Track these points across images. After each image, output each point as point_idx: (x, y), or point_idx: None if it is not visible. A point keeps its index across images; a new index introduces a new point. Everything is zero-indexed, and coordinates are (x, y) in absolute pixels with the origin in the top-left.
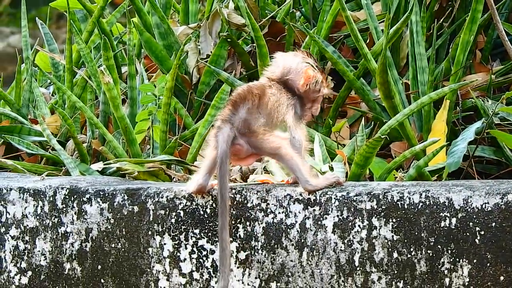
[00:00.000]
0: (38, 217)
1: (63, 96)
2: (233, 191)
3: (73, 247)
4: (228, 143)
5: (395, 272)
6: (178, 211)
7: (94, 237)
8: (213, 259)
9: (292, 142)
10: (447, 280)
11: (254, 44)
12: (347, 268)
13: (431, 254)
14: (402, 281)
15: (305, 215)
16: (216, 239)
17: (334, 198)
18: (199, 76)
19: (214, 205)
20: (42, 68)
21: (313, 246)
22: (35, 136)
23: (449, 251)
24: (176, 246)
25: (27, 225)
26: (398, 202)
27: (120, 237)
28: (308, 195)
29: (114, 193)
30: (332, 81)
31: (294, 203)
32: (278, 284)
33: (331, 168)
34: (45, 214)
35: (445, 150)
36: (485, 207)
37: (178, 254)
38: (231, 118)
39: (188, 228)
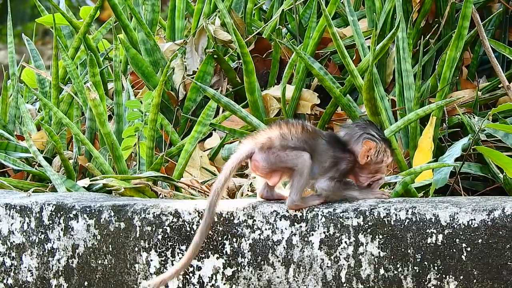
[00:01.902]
0: (24, 233)
1: (49, 112)
2: (220, 207)
3: (59, 263)
4: (239, 156)
5: None
6: (165, 227)
7: (80, 253)
8: (199, 275)
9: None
10: None
11: (241, 61)
12: (333, 285)
13: (417, 271)
14: None
15: (292, 232)
16: (203, 255)
17: (321, 215)
18: (186, 92)
19: (200, 221)
20: (28, 84)
21: (300, 263)
22: (21, 153)
23: (436, 268)
24: (162, 262)
25: (14, 241)
26: (384, 219)
27: (107, 253)
28: (294, 211)
29: (101, 209)
30: (318, 97)
31: (280, 220)
32: None
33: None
34: (32, 230)
35: None
36: (472, 223)
37: (164, 270)
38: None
39: (175, 244)
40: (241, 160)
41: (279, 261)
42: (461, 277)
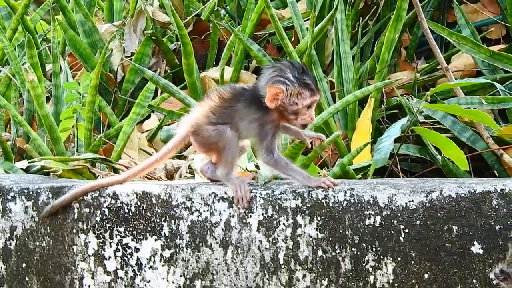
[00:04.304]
0: None
1: None
2: (158, 189)
3: None
4: (174, 141)
5: (320, 270)
6: (103, 209)
7: (18, 235)
8: (137, 257)
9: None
10: (371, 278)
11: (179, 42)
12: (271, 266)
13: (355, 252)
14: (326, 279)
15: (230, 213)
16: (141, 237)
17: (259, 196)
18: (124, 74)
19: (138, 203)
20: None
21: (238, 244)
22: None
23: (374, 249)
24: (100, 244)
25: None
26: (323, 200)
27: (45, 235)
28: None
29: (39, 191)
30: (256, 79)
31: (219, 201)
32: (203, 282)
33: (257, 167)
34: None
35: (370, 148)
36: (410, 205)
37: (102, 252)
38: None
39: (113, 226)
40: (177, 145)
41: (217, 243)
42: (399, 259)
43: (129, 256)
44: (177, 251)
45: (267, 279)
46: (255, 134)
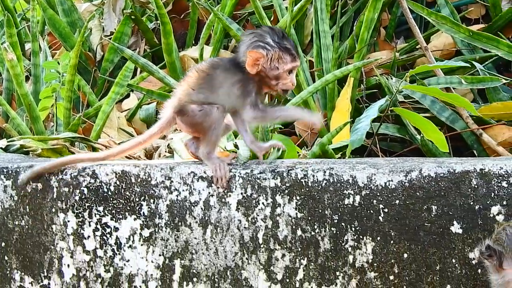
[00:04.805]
0: None
1: None
2: (137, 168)
3: None
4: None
5: (299, 249)
6: (82, 188)
7: None
8: (117, 236)
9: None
10: (351, 257)
11: (158, 22)
12: (251, 246)
13: (335, 232)
14: (306, 258)
15: (209, 193)
16: (120, 216)
17: (238, 176)
18: (103, 53)
19: (117, 182)
20: None
21: (217, 224)
22: None
23: (353, 229)
24: (80, 223)
25: None
26: (302, 180)
27: (24, 215)
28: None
29: (18, 170)
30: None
31: (198, 181)
32: (182, 262)
33: (236, 146)
34: None
35: (349, 127)
36: (389, 184)
37: (82, 231)
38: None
39: (92, 205)
40: (162, 128)
41: (196, 222)
42: (378, 238)
43: (108, 236)
44: (156, 230)
45: (246, 258)
46: (238, 95)
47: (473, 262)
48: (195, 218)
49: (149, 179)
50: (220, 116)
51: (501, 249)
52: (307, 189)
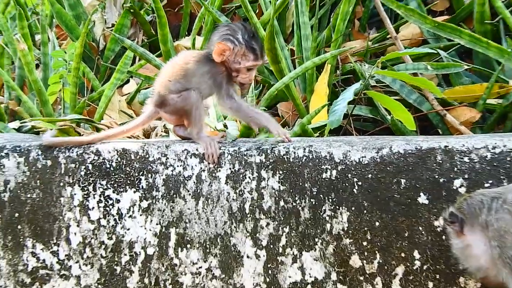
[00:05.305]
0: None
1: None
2: (136, 146)
3: None
4: (142, 120)
5: (282, 218)
6: (87, 164)
7: (11, 188)
8: (118, 207)
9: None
10: (328, 225)
11: (155, 14)
12: (238, 215)
13: (314, 203)
14: (288, 226)
15: (201, 168)
16: (121, 189)
17: (227, 153)
18: (105, 43)
19: (119, 159)
20: None
21: (208, 196)
22: None
23: (330, 200)
24: (85, 196)
25: None
26: (284, 156)
27: (35, 188)
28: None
29: (29, 148)
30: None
31: (191, 157)
32: (177, 230)
33: (225, 126)
34: None
35: (327, 109)
36: (362, 160)
37: (87, 203)
38: None
39: (96, 180)
40: (144, 122)
41: (189, 194)
42: (353, 208)
43: (110, 207)
44: (154, 202)
45: (235, 227)
46: (210, 86)
47: (438, 229)
48: (188, 191)
49: (147, 156)
50: (198, 97)
51: (462, 216)
52: (289, 164)
